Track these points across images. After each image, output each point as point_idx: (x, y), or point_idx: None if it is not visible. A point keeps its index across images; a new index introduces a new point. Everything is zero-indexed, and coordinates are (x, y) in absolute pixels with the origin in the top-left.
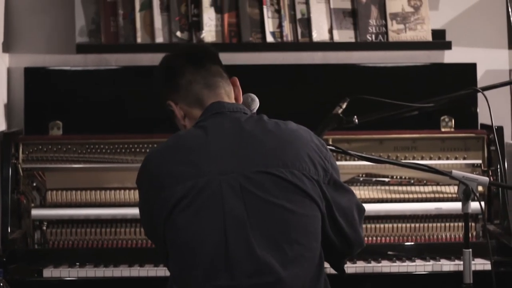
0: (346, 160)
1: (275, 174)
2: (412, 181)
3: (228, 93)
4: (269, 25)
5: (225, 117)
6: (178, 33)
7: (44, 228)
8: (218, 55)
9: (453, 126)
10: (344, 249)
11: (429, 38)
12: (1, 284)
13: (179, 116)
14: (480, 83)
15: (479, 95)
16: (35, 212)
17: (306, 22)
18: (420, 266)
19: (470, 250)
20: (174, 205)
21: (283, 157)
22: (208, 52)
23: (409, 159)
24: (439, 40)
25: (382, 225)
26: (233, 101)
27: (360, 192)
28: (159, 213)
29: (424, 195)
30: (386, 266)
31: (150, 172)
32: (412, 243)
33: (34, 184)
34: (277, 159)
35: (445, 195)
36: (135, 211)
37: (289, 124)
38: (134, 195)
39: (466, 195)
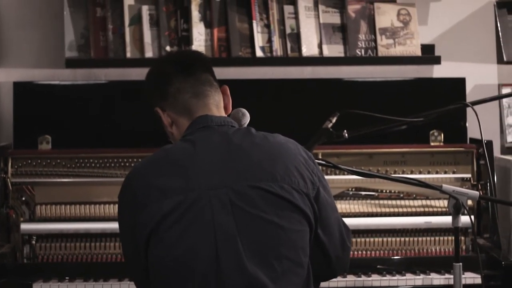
0: (335, 174)
1: (265, 188)
2: (401, 195)
3: (217, 102)
4: (259, 40)
5: (212, 131)
6: (168, 48)
7: (34, 242)
8: (209, 62)
9: (442, 140)
10: (320, 269)
11: (418, 52)
12: None
13: (166, 123)
14: (469, 98)
15: (468, 109)
16: (24, 226)
17: (296, 37)
18: (410, 280)
19: (460, 264)
20: (160, 220)
21: (272, 171)
22: (199, 59)
23: (399, 173)
24: (428, 54)
25: (371, 239)
26: (222, 110)
27: (349, 206)
28: (142, 229)
29: (413, 209)
30: (376, 280)
31: (135, 186)
32: (402, 257)
33: (23, 198)
34: (266, 173)
35: (435, 209)
36: None
37: (277, 137)
38: None
39: (456, 209)
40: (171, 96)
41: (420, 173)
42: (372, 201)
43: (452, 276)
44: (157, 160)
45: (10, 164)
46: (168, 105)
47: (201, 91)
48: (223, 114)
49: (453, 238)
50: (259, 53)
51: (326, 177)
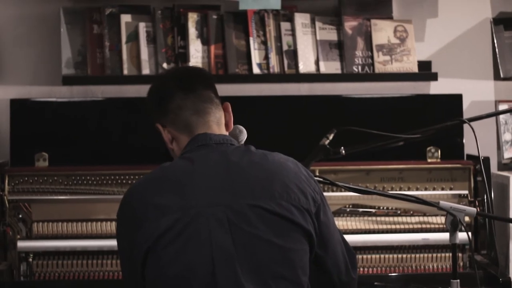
0: (333, 191)
1: (262, 207)
2: (399, 212)
3: (218, 119)
4: (256, 57)
5: (211, 149)
6: (165, 65)
7: (30, 260)
8: (211, 78)
9: (439, 156)
10: None
11: (415, 69)
12: None
13: (166, 140)
14: (466, 114)
15: (465, 126)
16: (21, 244)
17: (293, 54)
18: None
19: (458, 280)
20: (158, 238)
21: (270, 189)
22: (200, 76)
23: (396, 190)
24: (425, 71)
25: (369, 256)
26: (223, 127)
27: (347, 223)
28: (140, 247)
29: (411, 226)
30: None
31: (133, 204)
32: (400, 274)
33: (20, 216)
34: (264, 191)
35: (432, 226)
36: None
37: (277, 155)
38: None
39: (453, 226)
40: (172, 113)
41: (417, 189)
42: (370, 218)
43: None
44: (154, 178)
45: (6, 181)
46: (169, 121)
47: (201, 108)
48: (223, 131)
49: (450, 254)
50: (256, 70)
51: (324, 194)
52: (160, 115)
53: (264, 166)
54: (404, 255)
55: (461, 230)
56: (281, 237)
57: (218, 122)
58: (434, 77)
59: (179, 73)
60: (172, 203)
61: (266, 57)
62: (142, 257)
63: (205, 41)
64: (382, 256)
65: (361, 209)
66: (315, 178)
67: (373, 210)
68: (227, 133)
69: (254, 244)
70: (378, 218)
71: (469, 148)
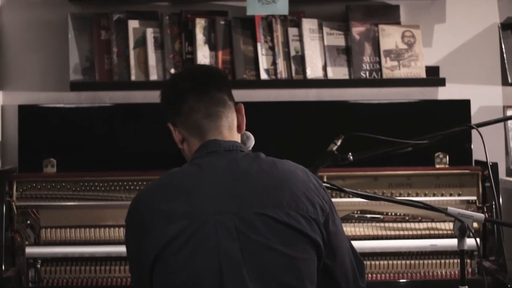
0: (340, 197)
1: (270, 215)
2: (407, 218)
3: (230, 123)
4: (263, 62)
5: (220, 156)
6: (172, 70)
7: (39, 266)
8: (226, 78)
9: (447, 162)
10: None
11: (423, 75)
12: None
13: (177, 140)
14: (474, 120)
15: (473, 131)
16: (29, 250)
17: (300, 59)
18: None
19: (466, 287)
20: (166, 245)
21: (279, 198)
22: (216, 77)
23: (404, 196)
24: (433, 76)
25: (377, 262)
26: (235, 131)
27: (355, 229)
28: (147, 253)
29: (419, 232)
30: None
31: (140, 211)
32: (408, 280)
33: (28, 222)
34: (272, 199)
35: (440, 232)
36: None
37: (287, 163)
38: None
39: (461, 232)
40: (184, 114)
41: (425, 195)
42: (378, 224)
43: None
44: (162, 185)
45: (15, 187)
46: (180, 122)
47: (214, 112)
48: (235, 135)
49: (459, 261)
50: (263, 76)
51: (332, 200)
52: (172, 114)
53: (273, 174)
54: (412, 261)
55: (469, 236)
56: (288, 246)
57: (230, 126)
58: (442, 82)
59: (194, 73)
60: (179, 210)
61: (274, 63)
62: (150, 264)
63: (212, 47)
64: (390, 262)
65: (369, 215)
66: (323, 184)
67: (381, 216)
68: (238, 136)
69: (262, 253)
70: (386, 224)
71: (477, 153)
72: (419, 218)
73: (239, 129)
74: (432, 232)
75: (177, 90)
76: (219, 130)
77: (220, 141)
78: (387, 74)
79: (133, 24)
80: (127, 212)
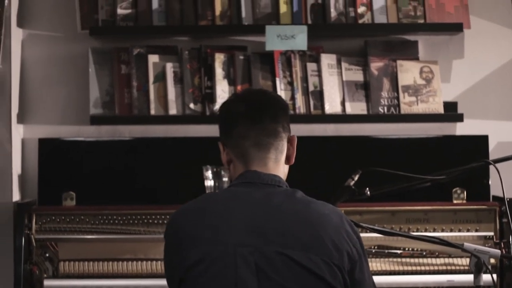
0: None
1: (291, 256)
2: (424, 253)
3: (277, 155)
4: (282, 97)
5: (256, 188)
6: (192, 105)
7: None
8: (285, 109)
9: (465, 198)
10: None
11: (441, 110)
12: None
13: (223, 161)
14: (492, 155)
15: (491, 167)
16: (48, 283)
17: (319, 95)
18: None
19: None
20: (189, 268)
21: (303, 240)
22: (272, 106)
23: (421, 231)
24: (451, 112)
25: None
26: (281, 164)
27: (372, 264)
28: (176, 270)
29: (436, 267)
30: None
31: (174, 230)
32: None
33: (47, 255)
34: (296, 240)
35: (457, 267)
36: (148, 282)
37: (322, 206)
38: (147, 266)
39: (478, 268)
40: (234, 139)
41: (442, 231)
42: (395, 259)
43: None
44: (197, 208)
45: (34, 220)
46: (230, 145)
47: (263, 143)
48: (280, 167)
49: None
50: None
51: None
52: (224, 135)
53: (303, 214)
54: None
55: (485, 272)
56: None
57: (277, 158)
58: (460, 118)
59: (251, 99)
60: (204, 235)
61: (293, 98)
62: (178, 280)
63: (231, 82)
64: None
65: (386, 250)
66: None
67: (399, 251)
68: (285, 168)
69: None
70: (404, 260)
71: (495, 189)
72: (436, 253)
73: (287, 160)
74: (449, 267)
75: (232, 113)
76: (264, 161)
77: (261, 173)
78: (405, 109)
79: (153, 58)
80: (165, 227)
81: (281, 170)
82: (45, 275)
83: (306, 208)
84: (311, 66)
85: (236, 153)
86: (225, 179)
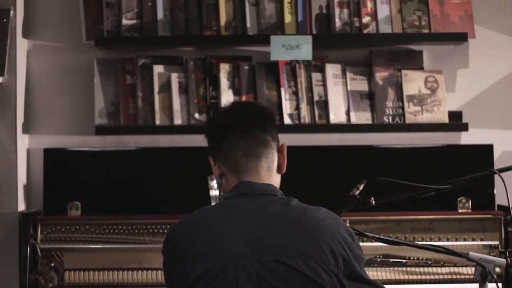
0: (363, 241)
1: (291, 265)
2: (429, 262)
3: (269, 164)
4: (287, 107)
5: (252, 199)
6: (197, 115)
7: None
8: (272, 118)
9: (470, 207)
10: None
11: (445, 120)
12: None
13: (215, 175)
14: (497, 164)
15: (496, 176)
16: None
17: (324, 104)
18: None
19: None
20: (191, 284)
21: (302, 247)
22: (260, 116)
23: (426, 240)
24: (456, 121)
25: None
26: (273, 172)
27: (377, 273)
28: (178, 286)
29: (441, 276)
30: None
31: (172, 245)
32: None
33: (52, 264)
34: (295, 249)
35: (463, 276)
36: None
37: (318, 211)
38: (152, 275)
39: (483, 277)
40: (224, 151)
41: (447, 240)
42: (400, 268)
43: None
44: (194, 222)
45: (39, 230)
46: (221, 158)
47: (253, 152)
48: (273, 176)
49: None
50: (287, 120)
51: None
52: (213, 149)
53: (300, 222)
54: None
55: (491, 281)
56: None
57: (269, 167)
58: (465, 127)
59: (239, 110)
60: (204, 250)
61: (297, 108)
62: None
63: (236, 92)
64: None
65: (391, 260)
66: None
67: (404, 261)
68: (277, 177)
69: None
70: (409, 269)
71: (500, 198)
72: (442, 262)
73: (279, 169)
74: (454, 276)
75: (220, 126)
76: (256, 170)
77: (255, 183)
78: (410, 119)
79: (158, 69)
80: (163, 242)
81: (274, 179)
82: (50, 285)
83: (302, 216)
84: (316, 76)
85: (228, 166)
86: None
